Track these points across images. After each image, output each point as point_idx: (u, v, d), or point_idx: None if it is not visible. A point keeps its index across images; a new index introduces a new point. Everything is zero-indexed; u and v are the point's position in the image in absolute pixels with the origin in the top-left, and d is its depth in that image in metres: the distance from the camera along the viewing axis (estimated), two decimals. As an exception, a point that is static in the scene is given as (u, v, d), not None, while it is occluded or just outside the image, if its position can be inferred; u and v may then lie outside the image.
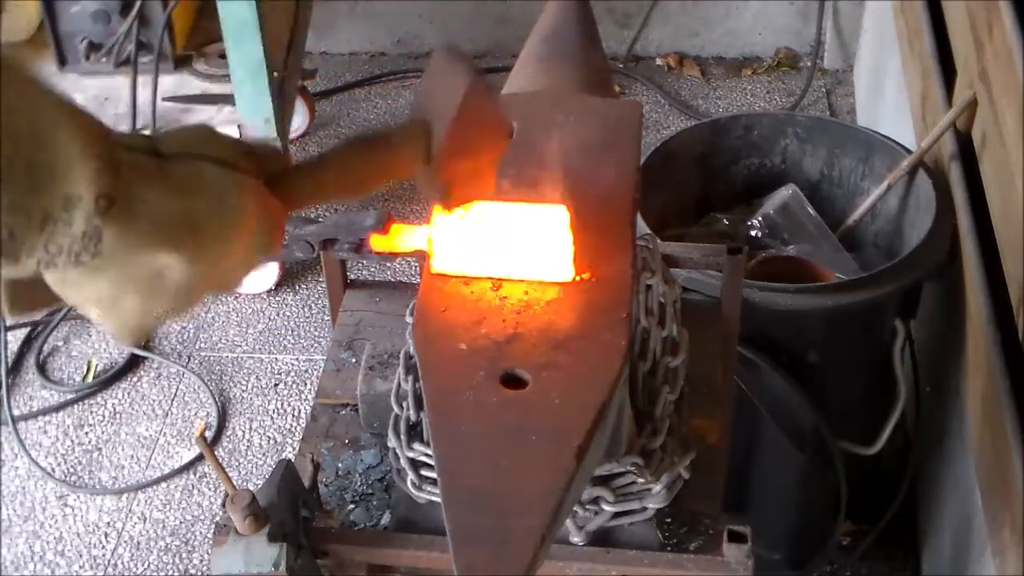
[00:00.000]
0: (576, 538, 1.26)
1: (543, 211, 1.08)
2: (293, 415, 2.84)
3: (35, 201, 0.69)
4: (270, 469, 1.37)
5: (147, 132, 0.80)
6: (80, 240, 0.72)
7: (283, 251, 1.06)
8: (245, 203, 0.82)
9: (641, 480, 1.26)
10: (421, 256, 1.11)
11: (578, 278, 1.08)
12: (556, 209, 1.07)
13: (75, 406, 2.87)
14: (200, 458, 2.70)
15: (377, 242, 1.06)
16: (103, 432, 2.81)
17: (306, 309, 3.10)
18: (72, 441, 2.79)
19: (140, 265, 0.77)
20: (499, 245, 1.07)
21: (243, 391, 2.89)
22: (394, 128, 0.97)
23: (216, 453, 2.73)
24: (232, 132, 2.77)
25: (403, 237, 1.07)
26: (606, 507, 1.26)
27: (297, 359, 2.97)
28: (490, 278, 1.08)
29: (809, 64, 3.80)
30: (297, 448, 1.54)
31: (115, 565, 2.54)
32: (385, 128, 0.97)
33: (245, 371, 2.94)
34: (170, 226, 0.77)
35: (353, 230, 1.05)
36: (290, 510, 1.23)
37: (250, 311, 3.10)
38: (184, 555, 2.55)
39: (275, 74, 2.72)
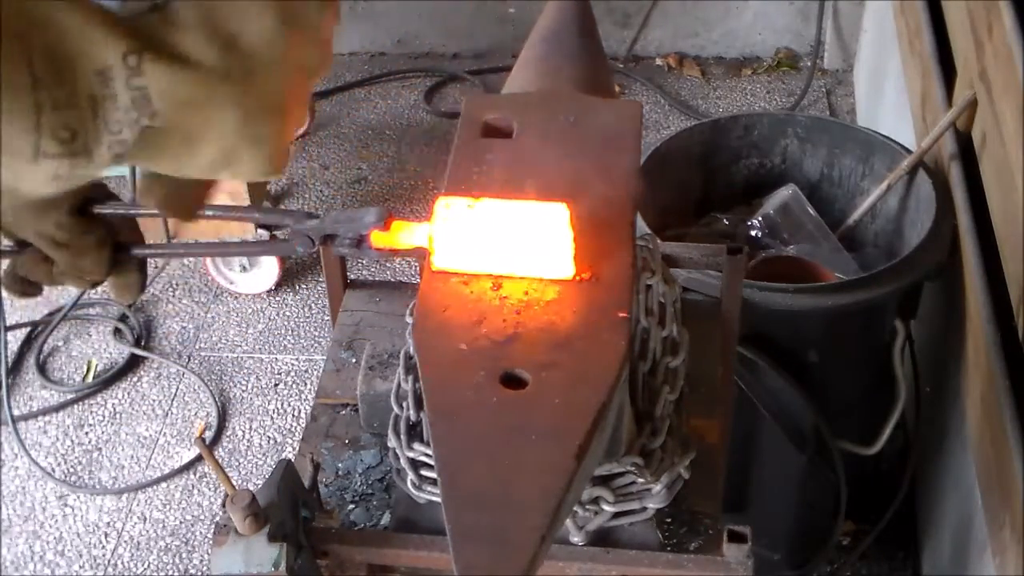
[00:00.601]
0: (576, 538, 1.26)
1: (544, 208, 1.08)
2: (293, 415, 2.84)
3: (73, 89, 0.70)
4: (270, 469, 1.37)
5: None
6: (132, 107, 0.72)
7: (286, 246, 1.06)
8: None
9: (641, 480, 1.26)
10: (421, 255, 1.11)
11: (578, 278, 1.08)
12: (556, 206, 1.07)
13: (75, 406, 2.87)
14: (200, 458, 2.71)
15: (378, 239, 1.06)
16: (103, 432, 2.81)
17: (306, 309, 3.10)
18: (72, 441, 2.79)
19: (214, 114, 0.76)
20: (500, 242, 1.07)
21: (243, 391, 2.89)
22: None
23: (216, 453, 2.73)
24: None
25: (404, 234, 1.07)
26: (606, 507, 1.26)
27: (297, 359, 2.97)
28: (491, 276, 1.08)
29: (809, 64, 3.80)
30: (297, 448, 1.54)
31: (115, 565, 2.54)
32: None
33: (245, 371, 2.94)
34: (207, 57, 0.75)
35: (354, 226, 1.05)
36: (290, 510, 1.23)
37: (250, 311, 3.10)
38: (184, 555, 2.55)
39: (275, 74, 2.72)
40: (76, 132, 0.71)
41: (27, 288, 0.98)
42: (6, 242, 0.96)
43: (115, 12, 0.74)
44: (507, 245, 1.07)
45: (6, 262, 0.97)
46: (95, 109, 0.71)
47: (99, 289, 3.20)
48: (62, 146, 0.70)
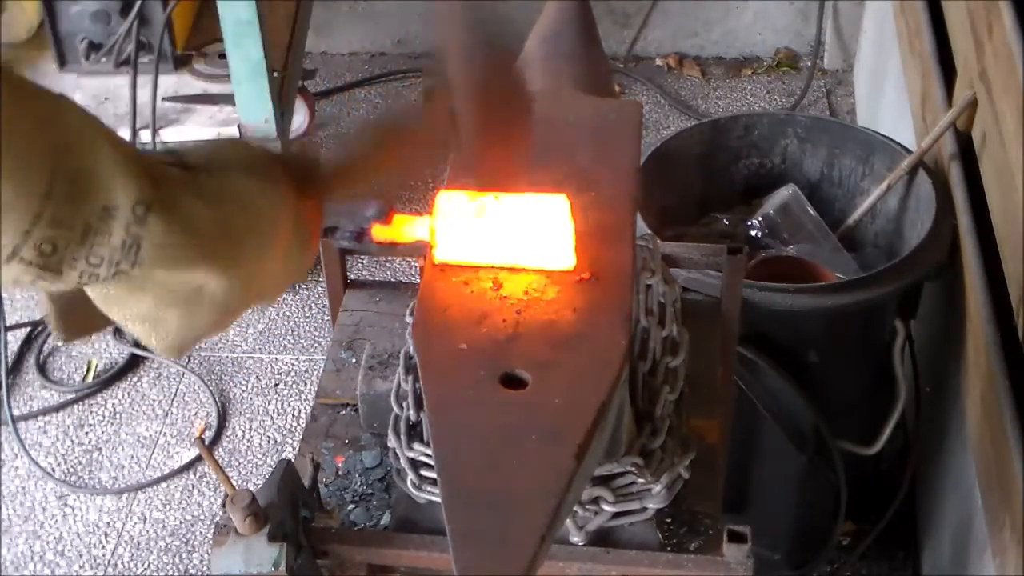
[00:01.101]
0: (576, 538, 1.26)
1: (544, 199, 1.08)
2: (293, 415, 2.84)
3: (76, 212, 0.71)
4: (270, 469, 1.37)
5: (171, 148, 0.83)
6: (120, 250, 0.73)
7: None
8: (277, 211, 0.83)
9: (641, 480, 1.26)
10: (421, 255, 1.11)
11: (578, 277, 1.08)
12: (557, 197, 1.08)
13: (75, 406, 2.87)
14: (200, 458, 2.70)
15: (379, 232, 1.06)
16: (103, 432, 2.81)
17: (306, 309, 3.10)
18: (72, 441, 2.79)
19: (180, 280, 0.78)
20: (501, 234, 1.08)
21: (243, 391, 2.89)
22: (420, 114, 0.98)
23: (216, 453, 2.73)
24: (232, 132, 2.78)
25: (405, 227, 1.08)
26: (606, 507, 1.26)
27: (297, 359, 2.97)
28: (493, 268, 1.09)
29: (809, 64, 3.80)
30: (297, 448, 1.54)
31: (115, 565, 2.54)
32: (411, 114, 0.98)
33: (245, 371, 2.94)
34: (205, 235, 0.77)
35: (355, 219, 1.05)
36: (290, 510, 1.23)
37: (250, 311, 3.10)
38: (184, 555, 2.55)
39: (275, 74, 2.73)
40: (57, 250, 0.71)
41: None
42: None
43: (142, 152, 0.76)
44: (509, 236, 1.08)
45: None
46: (84, 237, 0.72)
47: (99, 289, 3.20)
48: (39, 257, 0.71)
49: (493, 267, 1.09)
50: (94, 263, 0.73)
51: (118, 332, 3.01)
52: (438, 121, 0.96)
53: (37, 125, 0.69)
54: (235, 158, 0.83)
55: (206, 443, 2.74)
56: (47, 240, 0.70)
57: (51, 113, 0.70)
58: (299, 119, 3.47)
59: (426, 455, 1.25)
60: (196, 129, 2.82)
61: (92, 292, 0.78)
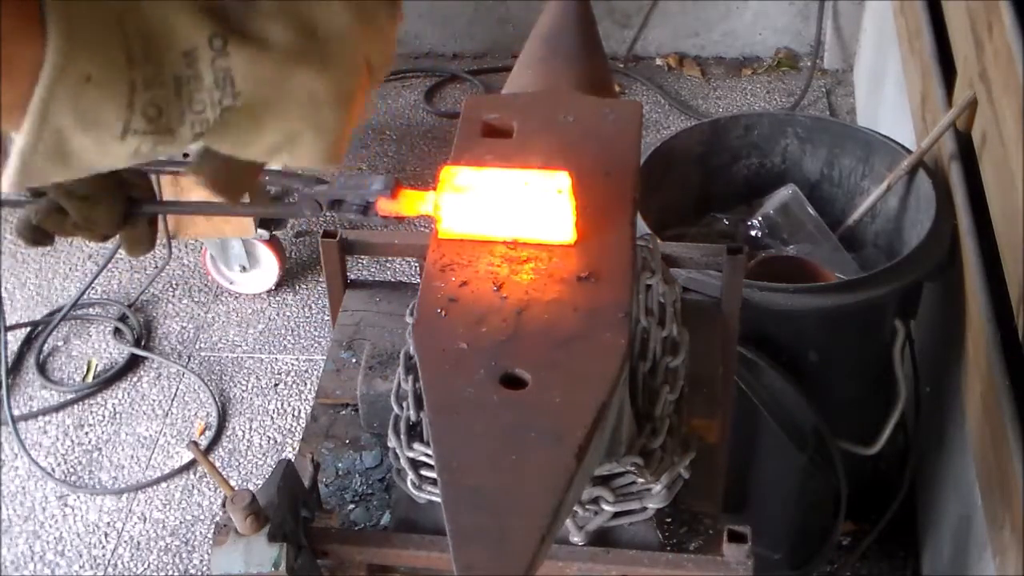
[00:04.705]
0: (576, 538, 1.26)
1: (547, 174, 1.10)
2: (293, 415, 2.84)
3: (161, 69, 0.72)
4: (270, 469, 1.37)
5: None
6: (216, 87, 0.74)
7: (294, 209, 1.07)
8: None
9: (641, 480, 1.26)
10: (422, 256, 1.12)
11: (578, 277, 1.08)
12: (559, 173, 1.10)
13: (75, 406, 2.87)
14: (200, 458, 2.70)
15: (385, 206, 1.07)
16: (103, 432, 2.81)
17: (306, 309, 3.10)
18: (72, 441, 2.79)
19: (287, 96, 0.78)
20: (505, 207, 1.09)
21: (243, 391, 2.89)
22: None
23: (216, 453, 2.73)
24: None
25: (411, 202, 1.09)
26: (606, 507, 1.26)
27: (297, 359, 2.97)
28: (498, 241, 1.10)
29: (809, 64, 3.80)
30: (297, 448, 1.54)
31: (115, 565, 2.54)
32: None
33: (245, 371, 2.94)
34: (287, 43, 0.78)
35: (361, 192, 1.06)
36: (290, 510, 1.23)
37: (250, 311, 3.10)
38: (184, 555, 2.55)
39: (275, 74, 2.72)
40: (162, 110, 0.72)
41: (39, 237, 1.00)
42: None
43: None
44: (512, 210, 1.09)
45: (20, 211, 0.98)
46: (179, 89, 0.73)
47: (99, 289, 3.19)
48: (149, 124, 0.72)
49: (497, 240, 1.11)
50: (198, 109, 0.74)
51: (118, 332, 3.02)
52: None
53: None
54: None
55: (201, 446, 2.74)
56: (149, 104, 0.71)
57: None
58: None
59: (426, 455, 1.25)
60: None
61: (223, 147, 0.79)
